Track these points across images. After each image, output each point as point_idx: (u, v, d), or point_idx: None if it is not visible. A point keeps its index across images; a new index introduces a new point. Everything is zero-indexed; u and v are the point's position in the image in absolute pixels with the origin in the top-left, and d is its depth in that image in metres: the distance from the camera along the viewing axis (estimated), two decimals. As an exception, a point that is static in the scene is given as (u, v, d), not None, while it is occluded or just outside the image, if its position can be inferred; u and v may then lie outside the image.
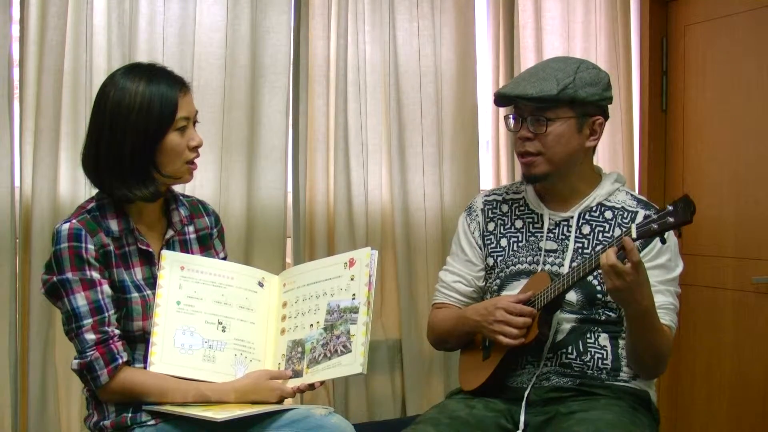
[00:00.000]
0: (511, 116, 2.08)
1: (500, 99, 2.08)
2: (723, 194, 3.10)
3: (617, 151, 3.35)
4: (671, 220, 1.71)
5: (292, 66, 2.88)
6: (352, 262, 1.91)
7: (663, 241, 1.80)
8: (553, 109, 1.99)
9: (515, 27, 3.22)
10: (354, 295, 1.87)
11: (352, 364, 1.80)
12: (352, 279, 1.89)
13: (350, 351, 1.82)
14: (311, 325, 1.90)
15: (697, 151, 3.23)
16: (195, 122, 1.88)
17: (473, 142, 3.15)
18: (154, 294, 1.85)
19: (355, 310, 1.85)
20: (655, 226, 1.74)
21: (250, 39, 2.79)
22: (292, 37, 2.89)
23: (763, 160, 2.97)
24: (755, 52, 2.98)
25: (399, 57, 3.03)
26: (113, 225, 1.83)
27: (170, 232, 1.93)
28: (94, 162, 1.83)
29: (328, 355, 1.84)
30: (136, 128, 1.78)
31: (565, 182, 2.08)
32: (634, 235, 1.76)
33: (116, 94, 1.79)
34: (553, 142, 2.00)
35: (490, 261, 2.16)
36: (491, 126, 3.27)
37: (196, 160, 1.88)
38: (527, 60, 3.21)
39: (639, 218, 2.01)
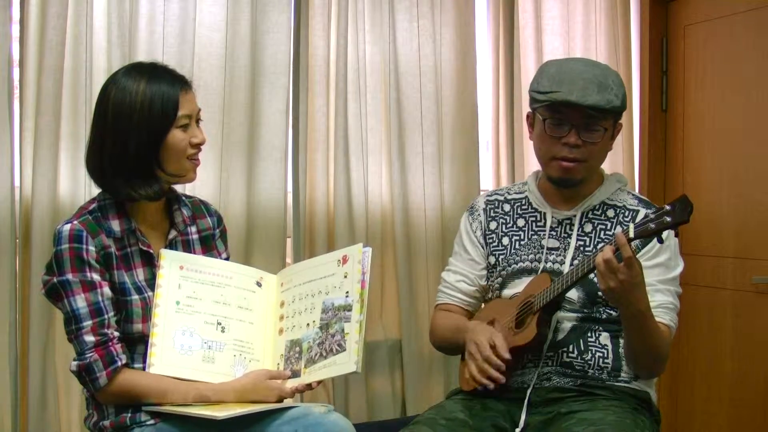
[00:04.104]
0: (549, 119, 2.00)
1: (561, 105, 1.97)
2: (723, 194, 3.10)
3: (617, 151, 3.35)
4: (668, 219, 1.72)
5: (292, 66, 2.88)
6: (345, 259, 1.91)
7: (660, 241, 1.80)
8: (606, 119, 1.99)
9: (515, 27, 3.22)
10: (347, 292, 1.86)
11: (346, 362, 1.80)
12: (345, 276, 1.88)
13: (345, 350, 1.81)
14: (308, 324, 1.90)
15: (697, 151, 3.23)
16: (198, 120, 1.89)
17: (473, 142, 3.15)
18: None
19: (348, 308, 1.85)
20: (652, 225, 1.74)
21: (250, 39, 2.80)
22: (292, 37, 2.89)
23: (763, 160, 2.97)
24: (755, 52, 2.98)
25: (399, 57, 3.03)
26: (115, 225, 1.82)
27: (173, 233, 1.92)
28: (97, 162, 1.83)
29: (324, 354, 1.84)
30: (138, 127, 1.78)
31: (581, 184, 2.08)
32: (631, 234, 1.76)
33: (117, 93, 1.79)
34: (600, 149, 2.02)
35: (492, 259, 2.16)
36: (491, 126, 3.27)
37: (198, 157, 1.88)
38: (527, 60, 3.22)
39: (640, 217, 2.02)
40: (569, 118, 1.98)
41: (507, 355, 1.93)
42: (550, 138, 2.02)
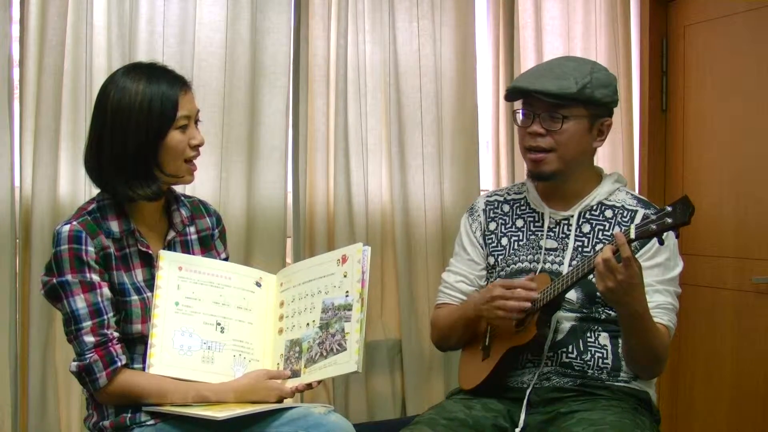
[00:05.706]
0: (520, 111, 2.07)
1: (514, 93, 2.07)
2: (723, 194, 3.10)
3: (617, 151, 3.35)
4: (669, 221, 1.71)
5: (292, 66, 2.89)
6: (344, 259, 1.91)
7: (661, 242, 1.79)
8: (568, 107, 1.99)
9: (515, 27, 3.22)
10: (347, 292, 1.87)
11: (347, 362, 1.80)
12: (344, 276, 1.89)
13: (345, 349, 1.81)
14: (308, 324, 1.90)
15: (697, 151, 3.23)
16: (197, 121, 1.89)
17: (473, 142, 3.15)
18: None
19: (348, 307, 1.85)
20: (653, 226, 1.74)
21: (250, 39, 2.80)
22: (292, 37, 2.89)
23: (763, 160, 2.97)
24: (755, 52, 2.98)
25: (399, 57, 3.03)
26: (114, 226, 1.82)
27: (171, 233, 1.93)
28: (96, 162, 1.83)
29: (324, 353, 1.84)
30: (137, 127, 1.78)
31: (569, 182, 2.08)
32: (632, 235, 1.76)
33: (117, 93, 1.79)
34: (566, 139, 2.01)
35: (491, 260, 2.16)
36: (491, 126, 3.27)
37: (195, 161, 1.88)
38: (527, 60, 3.22)
39: (638, 217, 2.02)
40: (534, 108, 2.02)
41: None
42: (521, 130, 2.08)
